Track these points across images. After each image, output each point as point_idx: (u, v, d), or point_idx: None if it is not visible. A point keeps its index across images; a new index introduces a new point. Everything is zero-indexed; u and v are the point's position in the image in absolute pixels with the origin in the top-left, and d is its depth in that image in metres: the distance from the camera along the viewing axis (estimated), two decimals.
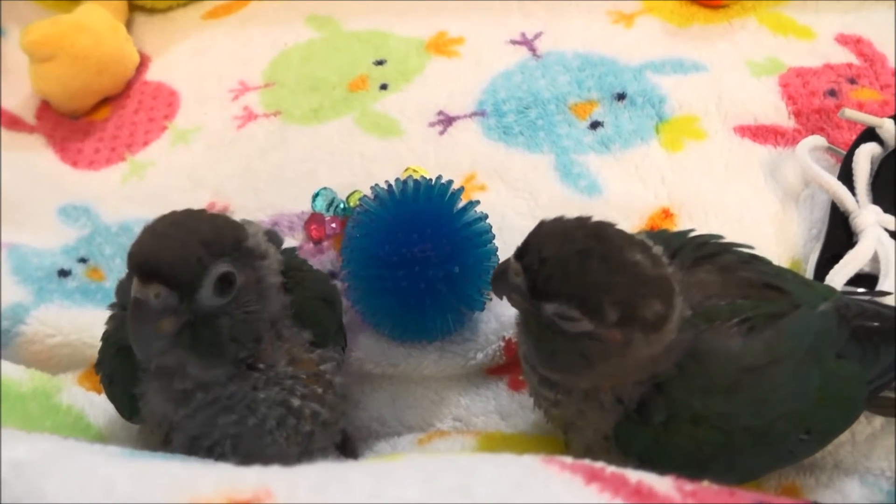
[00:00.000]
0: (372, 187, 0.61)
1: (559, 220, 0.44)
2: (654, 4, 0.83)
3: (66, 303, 0.67)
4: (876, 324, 0.49)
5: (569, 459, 0.37)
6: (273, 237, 0.54)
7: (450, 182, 0.59)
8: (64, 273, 0.70)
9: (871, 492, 0.52)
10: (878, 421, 0.53)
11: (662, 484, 0.35)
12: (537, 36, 0.83)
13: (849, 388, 0.47)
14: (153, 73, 0.88)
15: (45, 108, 0.85)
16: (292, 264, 0.53)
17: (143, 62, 0.88)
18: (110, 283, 0.69)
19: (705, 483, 0.36)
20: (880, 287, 0.55)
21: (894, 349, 0.49)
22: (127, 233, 0.73)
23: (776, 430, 0.46)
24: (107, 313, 0.65)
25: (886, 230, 0.58)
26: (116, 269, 0.71)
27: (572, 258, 0.42)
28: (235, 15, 0.92)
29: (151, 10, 0.93)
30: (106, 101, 0.85)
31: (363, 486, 0.30)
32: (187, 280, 0.43)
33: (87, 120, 0.84)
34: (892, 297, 0.54)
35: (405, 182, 0.59)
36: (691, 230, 0.50)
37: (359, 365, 0.61)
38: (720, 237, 0.50)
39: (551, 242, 0.43)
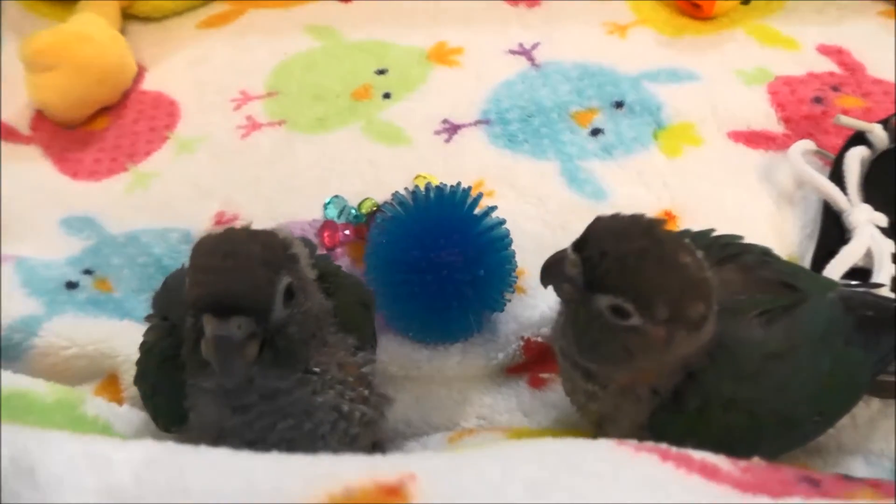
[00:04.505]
0: (394, 194, 0.66)
1: (616, 217, 0.50)
2: (647, 16, 0.91)
3: (80, 314, 0.70)
4: (873, 313, 0.56)
5: (634, 442, 0.42)
6: (307, 245, 0.59)
7: (469, 188, 0.65)
8: (72, 285, 0.72)
9: (876, 471, 0.59)
10: (876, 404, 0.61)
11: (721, 461, 0.41)
12: (535, 46, 0.90)
13: (855, 373, 0.55)
14: (150, 83, 0.91)
15: (40, 119, 0.87)
16: (329, 270, 0.58)
17: (139, 72, 0.90)
18: (120, 294, 0.73)
19: (755, 459, 0.42)
20: (874, 280, 0.63)
21: (892, 336, 0.56)
22: (134, 243, 0.76)
23: (796, 412, 0.53)
24: (121, 324, 0.69)
25: (878, 227, 0.65)
26: (125, 279, 0.74)
27: (631, 255, 0.47)
28: (232, 24, 0.96)
29: (146, 19, 0.96)
30: (103, 111, 0.87)
31: (493, 467, 0.35)
32: (265, 304, 0.47)
33: (84, 130, 0.86)
34: (885, 288, 0.62)
35: (427, 189, 0.65)
36: (712, 230, 0.57)
37: (383, 368, 0.65)
38: (740, 237, 0.57)
39: (611, 238, 0.48)
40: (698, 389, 0.51)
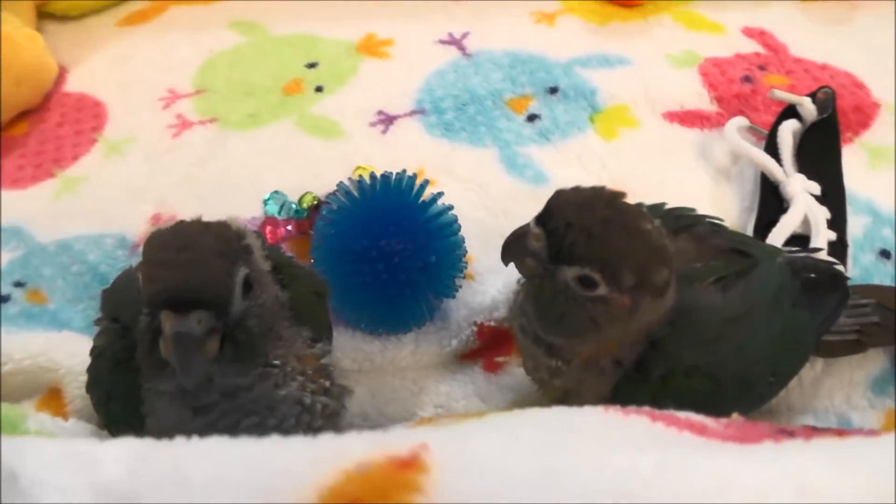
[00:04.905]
0: (339, 185, 0.66)
1: (578, 190, 0.51)
2: (574, 4, 0.94)
3: (12, 329, 0.67)
4: (816, 276, 0.59)
5: (619, 407, 0.43)
6: (259, 236, 0.58)
7: (414, 176, 0.65)
8: (2, 299, 0.70)
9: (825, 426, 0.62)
10: (819, 364, 0.64)
11: (704, 419, 0.42)
12: (465, 36, 0.91)
13: (803, 334, 0.57)
14: (73, 84, 0.88)
15: None
16: (281, 261, 0.57)
17: (60, 73, 0.88)
18: (55, 305, 0.70)
19: (735, 416, 0.44)
20: (812, 245, 0.66)
21: (834, 297, 0.59)
22: (67, 251, 0.73)
23: (753, 374, 0.55)
24: (59, 335, 0.67)
25: (812, 195, 0.69)
26: (59, 289, 0.71)
27: (596, 225, 0.48)
28: (153, 22, 0.95)
29: (63, 18, 0.93)
30: (23, 114, 0.84)
31: (499, 433, 0.35)
32: (224, 297, 0.46)
33: (4, 135, 0.83)
34: (823, 252, 0.65)
35: (372, 178, 0.65)
36: (664, 203, 0.59)
37: (335, 362, 0.65)
38: (693, 210, 0.59)
39: (574, 210, 0.49)
40: (661, 358, 0.52)
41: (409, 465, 0.30)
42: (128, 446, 0.35)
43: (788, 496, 0.28)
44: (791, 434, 0.41)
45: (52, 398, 0.64)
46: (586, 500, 0.28)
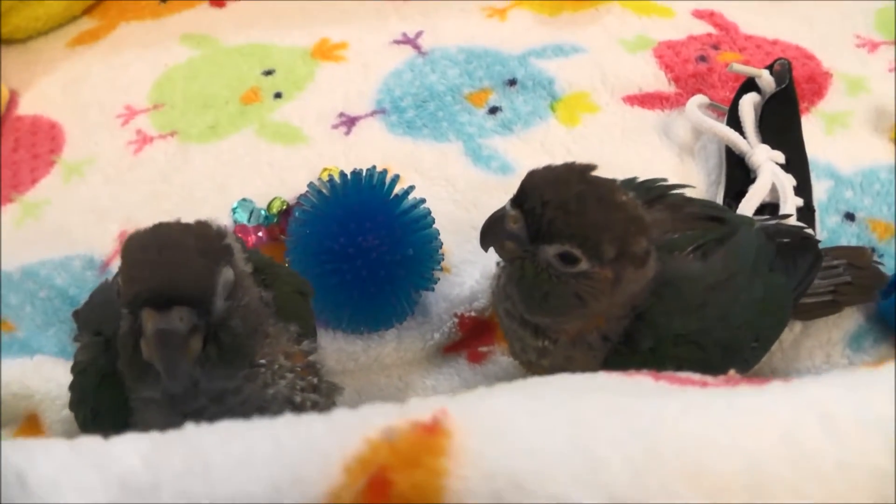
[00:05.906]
0: (309, 185, 0.66)
1: (550, 168, 0.51)
2: None
3: None
4: (789, 240, 0.61)
5: (620, 372, 0.43)
6: (238, 240, 0.58)
7: (385, 171, 0.65)
8: None
9: None
10: (798, 327, 0.65)
11: (703, 376, 0.42)
12: (418, 35, 0.92)
13: (782, 297, 0.59)
14: (25, 108, 0.87)
15: None
16: (263, 261, 0.56)
17: (11, 97, 0.87)
18: (24, 333, 0.69)
19: (731, 372, 0.44)
20: (782, 212, 0.68)
21: (807, 259, 0.61)
22: (33, 277, 0.72)
23: (737, 340, 0.56)
24: (32, 361, 0.66)
25: (777, 164, 0.70)
26: (27, 317, 0.70)
27: (571, 200, 0.49)
28: (104, 40, 0.94)
29: (8, 41, 0.92)
30: None
31: (513, 394, 0.35)
32: (206, 293, 0.45)
33: None
34: (792, 218, 0.66)
35: (342, 176, 0.65)
36: (635, 178, 0.60)
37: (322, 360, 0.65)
38: (664, 180, 0.60)
39: (550, 187, 0.49)
40: (648, 329, 0.53)
41: (433, 431, 0.30)
42: (139, 439, 0.34)
43: (812, 425, 0.29)
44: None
45: (31, 426, 0.63)
46: (618, 443, 0.28)
